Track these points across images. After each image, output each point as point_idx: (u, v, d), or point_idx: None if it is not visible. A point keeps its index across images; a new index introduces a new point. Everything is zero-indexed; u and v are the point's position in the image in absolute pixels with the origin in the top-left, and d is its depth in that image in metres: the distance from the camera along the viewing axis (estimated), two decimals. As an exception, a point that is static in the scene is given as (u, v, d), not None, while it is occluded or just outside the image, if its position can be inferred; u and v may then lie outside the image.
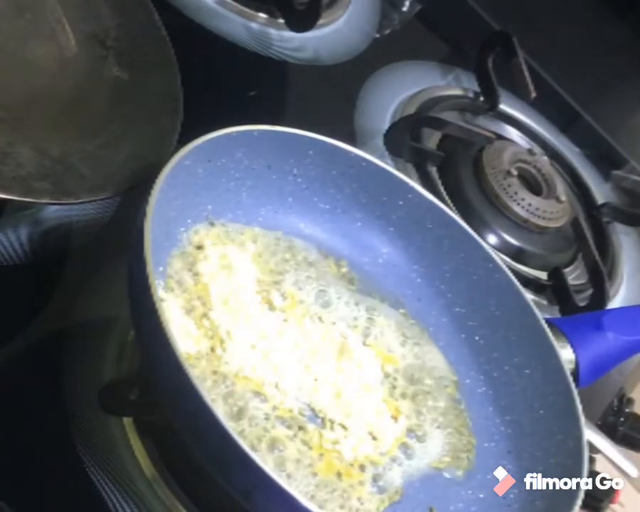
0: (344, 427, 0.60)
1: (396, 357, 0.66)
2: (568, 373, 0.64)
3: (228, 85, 0.86)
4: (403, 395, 0.64)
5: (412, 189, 0.69)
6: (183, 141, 0.63)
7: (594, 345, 0.69)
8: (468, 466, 0.62)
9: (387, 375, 0.64)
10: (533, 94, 0.94)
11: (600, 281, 0.85)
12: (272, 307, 0.63)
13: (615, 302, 0.90)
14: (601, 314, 0.71)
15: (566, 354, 0.67)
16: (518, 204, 0.87)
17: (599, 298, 0.84)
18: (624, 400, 0.80)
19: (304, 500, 0.48)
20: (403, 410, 0.63)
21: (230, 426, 0.48)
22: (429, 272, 0.70)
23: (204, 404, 0.48)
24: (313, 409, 0.59)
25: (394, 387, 0.64)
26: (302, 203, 0.68)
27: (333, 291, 0.66)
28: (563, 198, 0.90)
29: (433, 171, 0.87)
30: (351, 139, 0.87)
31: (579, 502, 0.57)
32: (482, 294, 0.68)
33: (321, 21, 0.90)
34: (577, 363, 0.67)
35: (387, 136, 0.87)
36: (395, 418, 0.62)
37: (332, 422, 0.60)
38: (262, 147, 0.64)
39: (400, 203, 0.69)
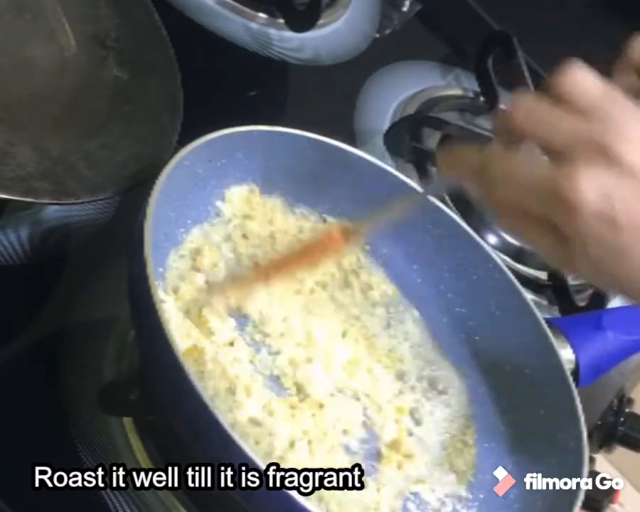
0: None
1: (404, 360, 0.66)
2: (568, 373, 0.64)
3: (228, 85, 0.86)
4: (408, 398, 0.64)
5: (412, 189, 0.69)
6: (183, 141, 0.63)
7: (593, 344, 0.69)
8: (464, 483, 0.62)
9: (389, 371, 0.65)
10: (533, 94, 0.94)
11: (600, 281, 0.84)
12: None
13: (615, 302, 0.90)
14: (601, 314, 0.71)
15: (566, 354, 0.67)
16: (518, 204, 0.87)
17: (599, 298, 0.84)
18: (624, 400, 0.80)
19: (306, 503, 0.48)
20: (406, 411, 0.63)
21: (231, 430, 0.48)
22: (429, 272, 0.70)
23: (204, 404, 0.48)
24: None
25: (400, 392, 0.64)
26: (300, 203, 0.68)
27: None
28: (563, 198, 0.90)
29: (433, 171, 0.87)
30: (351, 139, 0.87)
31: (579, 502, 0.57)
32: (482, 294, 0.68)
33: (321, 21, 0.90)
34: (576, 363, 0.67)
35: (387, 136, 0.87)
36: (396, 421, 0.63)
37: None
38: (261, 147, 0.64)
39: (398, 202, 0.69)
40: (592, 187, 0.42)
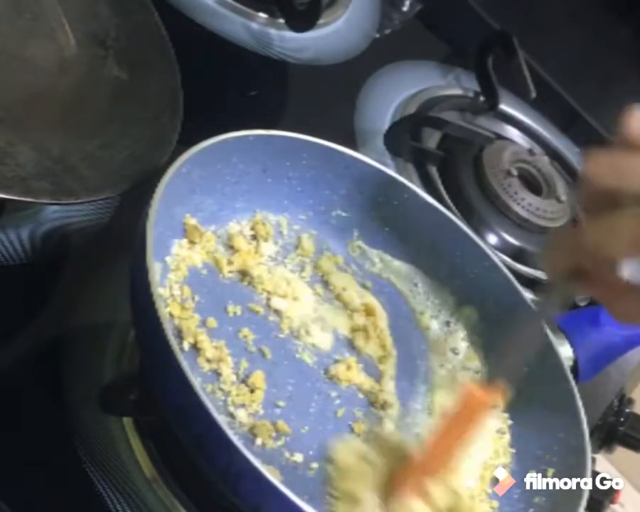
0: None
1: None
2: (568, 370, 0.64)
3: (228, 85, 0.86)
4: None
5: (408, 189, 0.69)
6: (182, 141, 0.63)
7: (592, 340, 0.69)
8: None
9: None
10: (533, 94, 0.94)
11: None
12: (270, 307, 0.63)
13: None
14: (598, 309, 0.71)
15: (565, 351, 0.67)
16: (518, 204, 0.87)
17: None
18: (624, 400, 0.80)
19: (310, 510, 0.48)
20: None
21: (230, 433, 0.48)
22: (425, 271, 0.70)
23: (204, 408, 0.48)
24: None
25: None
26: (298, 205, 0.68)
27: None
28: (563, 198, 0.90)
29: (433, 170, 0.87)
30: (351, 139, 0.87)
31: (584, 501, 0.57)
32: (480, 292, 0.68)
33: (321, 21, 0.90)
34: (575, 359, 0.67)
35: (388, 136, 0.87)
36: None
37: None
38: (257, 151, 0.64)
39: (396, 203, 0.69)
40: None
